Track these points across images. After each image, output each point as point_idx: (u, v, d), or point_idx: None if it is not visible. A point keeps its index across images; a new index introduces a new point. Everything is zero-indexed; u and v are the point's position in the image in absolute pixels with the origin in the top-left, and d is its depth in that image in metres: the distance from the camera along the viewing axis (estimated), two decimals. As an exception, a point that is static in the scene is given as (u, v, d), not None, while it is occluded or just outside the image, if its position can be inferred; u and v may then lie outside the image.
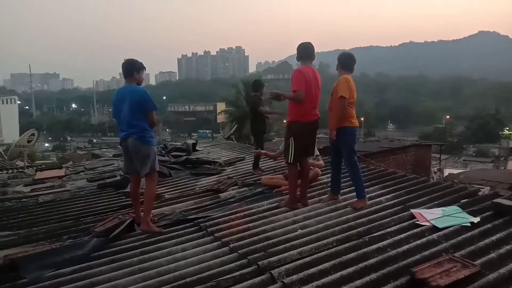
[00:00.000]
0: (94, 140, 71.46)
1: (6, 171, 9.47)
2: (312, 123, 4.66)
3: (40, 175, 7.74)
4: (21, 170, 9.22)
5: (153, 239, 4.14)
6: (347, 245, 3.62)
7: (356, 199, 4.71)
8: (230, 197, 5.47)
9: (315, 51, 4.80)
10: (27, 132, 9.40)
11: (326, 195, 5.09)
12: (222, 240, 3.94)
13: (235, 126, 23.61)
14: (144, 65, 4.55)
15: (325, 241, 3.71)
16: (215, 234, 4.10)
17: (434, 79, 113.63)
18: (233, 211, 4.82)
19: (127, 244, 4.07)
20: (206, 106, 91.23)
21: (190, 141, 9.95)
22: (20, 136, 10.34)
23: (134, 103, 4.28)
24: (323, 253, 3.49)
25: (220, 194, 5.64)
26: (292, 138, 4.63)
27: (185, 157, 8.28)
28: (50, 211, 5.49)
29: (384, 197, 4.98)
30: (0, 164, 13.08)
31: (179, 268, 3.43)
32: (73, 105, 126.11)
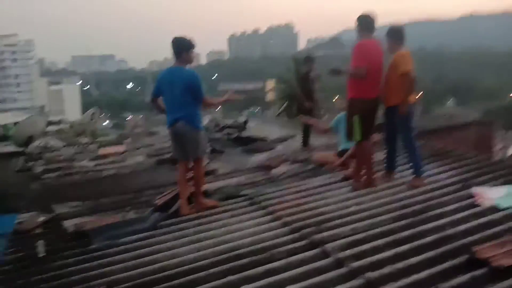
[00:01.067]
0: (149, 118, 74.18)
1: (71, 147, 10.15)
2: (375, 99, 4.49)
3: (102, 151, 8.23)
4: (84, 146, 9.85)
5: (208, 212, 4.32)
6: (402, 222, 3.57)
7: (413, 176, 4.57)
8: (281, 173, 5.53)
9: None
10: (89, 110, 10.00)
11: (381, 172, 4.96)
12: (274, 214, 4.02)
13: (286, 104, 23.45)
14: (194, 43, 4.30)
15: (379, 219, 3.68)
16: (267, 209, 4.20)
17: (498, 53, 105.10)
18: (285, 187, 4.88)
19: (184, 216, 4.27)
20: (256, 84, 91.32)
21: (242, 119, 10.09)
22: (82, 114, 10.99)
23: (185, 88, 4.13)
24: (377, 230, 3.47)
25: (272, 170, 5.71)
26: (356, 115, 4.46)
27: (237, 134, 8.44)
28: (113, 184, 5.87)
29: (442, 175, 4.80)
30: (66, 141, 14.05)
31: (234, 239, 3.57)
32: (129, 85, 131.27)
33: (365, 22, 4.47)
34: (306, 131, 6.93)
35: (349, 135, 4.67)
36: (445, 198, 4.08)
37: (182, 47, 4.24)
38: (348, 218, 3.73)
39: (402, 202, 4.04)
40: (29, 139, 8.54)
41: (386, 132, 4.75)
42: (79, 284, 3.09)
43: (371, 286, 2.70)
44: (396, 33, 4.52)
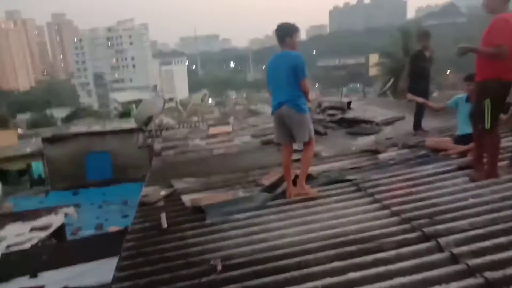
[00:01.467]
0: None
1: (185, 126, 11.04)
2: (510, 82, 3.99)
3: (212, 130, 8.82)
4: (196, 125, 10.63)
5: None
6: (529, 220, 3.22)
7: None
8: (389, 158, 5.33)
9: None
10: (200, 92, 10.68)
11: (505, 162, 4.48)
12: (382, 202, 3.92)
13: (391, 81, 22.16)
14: (296, 27, 4.30)
15: (502, 214, 3.36)
16: (375, 196, 4.10)
17: None
18: (393, 173, 4.70)
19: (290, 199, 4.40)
20: (357, 59, 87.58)
21: (345, 99, 9.86)
22: (190, 93, 11.79)
23: (288, 69, 4.13)
24: (499, 226, 3.18)
25: (379, 155, 5.53)
26: (489, 99, 3.98)
27: (340, 115, 8.30)
28: (223, 163, 6.27)
29: None
30: (178, 119, 15.30)
31: (340, 225, 3.58)
32: (232, 64, 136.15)
33: None
34: (419, 112, 6.47)
35: (478, 122, 4.16)
36: None
37: (285, 33, 4.24)
38: (466, 211, 3.47)
39: (531, 197, 3.62)
40: (149, 119, 9.48)
41: None
42: (197, 255, 3.40)
43: (491, 286, 2.52)
44: None
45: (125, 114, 25.71)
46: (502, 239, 2.97)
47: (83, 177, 13.16)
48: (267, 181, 4.87)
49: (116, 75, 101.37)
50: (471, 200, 3.72)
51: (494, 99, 3.99)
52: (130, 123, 14.58)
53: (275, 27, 4.35)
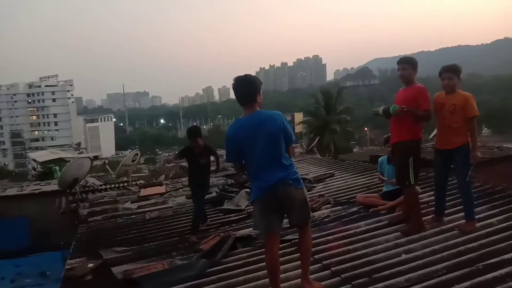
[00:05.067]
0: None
1: (114, 187, 10.45)
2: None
3: (144, 192, 8.44)
4: (127, 187, 10.12)
5: (255, 258, 4.27)
6: (458, 272, 3.41)
7: (464, 220, 4.41)
8: (324, 216, 5.45)
9: (399, 54, 4.64)
10: (131, 152, 10.33)
11: (429, 216, 4.78)
12: (322, 262, 3.94)
13: (317, 138, 23.43)
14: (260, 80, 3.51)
15: (434, 268, 3.53)
16: (314, 256, 4.11)
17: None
18: (330, 231, 4.80)
19: (231, 263, 4.26)
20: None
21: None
22: (116, 151, 11.29)
23: (275, 134, 3.19)
24: (433, 281, 3.33)
25: (314, 213, 5.62)
26: (412, 157, 4.39)
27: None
28: (157, 228, 5.96)
29: (495, 218, 4.59)
30: (106, 179, 14.48)
31: (285, 289, 3.50)
32: (162, 121, 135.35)
33: (416, 62, 4.48)
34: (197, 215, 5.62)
35: (404, 179, 4.47)
36: (502, 244, 3.88)
37: (255, 89, 3.27)
38: (401, 268, 3.60)
39: (456, 249, 3.87)
40: (74, 181, 8.86)
41: (439, 174, 4.59)
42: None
43: None
44: (459, 68, 4.43)
45: (45, 175, 23.86)
46: (437, 295, 3.09)
47: (-7, 247, 11.67)
48: (205, 246, 4.69)
49: (36, 133, 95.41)
50: (404, 256, 3.88)
51: (416, 156, 4.43)
52: (51, 185, 13.53)
53: (232, 82, 3.29)
